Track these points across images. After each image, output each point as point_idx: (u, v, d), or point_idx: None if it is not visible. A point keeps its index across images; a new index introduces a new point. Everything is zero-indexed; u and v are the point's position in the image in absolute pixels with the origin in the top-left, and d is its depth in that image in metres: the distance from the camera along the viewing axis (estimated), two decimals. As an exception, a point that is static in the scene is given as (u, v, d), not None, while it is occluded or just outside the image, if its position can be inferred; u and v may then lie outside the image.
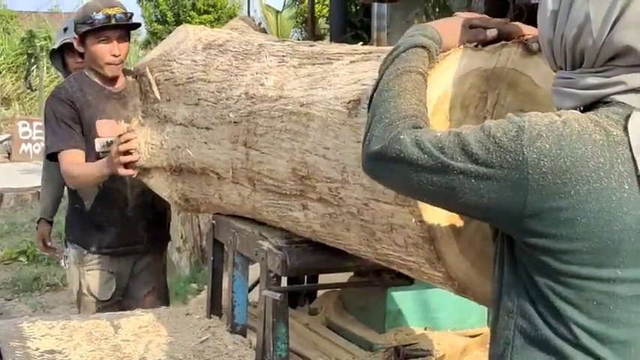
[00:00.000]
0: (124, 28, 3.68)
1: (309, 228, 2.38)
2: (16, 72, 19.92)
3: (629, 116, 1.38)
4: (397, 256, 2.02)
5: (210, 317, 3.12)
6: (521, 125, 1.39)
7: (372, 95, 1.66)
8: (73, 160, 3.57)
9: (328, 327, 3.01)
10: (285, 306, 2.52)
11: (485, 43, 1.82)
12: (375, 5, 3.77)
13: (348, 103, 2.06)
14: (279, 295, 2.48)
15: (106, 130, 3.57)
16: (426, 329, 2.89)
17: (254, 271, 3.20)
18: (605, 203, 1.36)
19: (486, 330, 2.63)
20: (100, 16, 3.56)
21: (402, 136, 1.49)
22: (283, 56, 2.57)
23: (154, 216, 3.83)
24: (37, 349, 2.89)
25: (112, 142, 3.32)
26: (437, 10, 7.38)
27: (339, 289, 3.12)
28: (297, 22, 15.82)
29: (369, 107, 1.65)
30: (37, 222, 4.38)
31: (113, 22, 3.59)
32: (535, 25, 1.64)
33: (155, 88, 3.00)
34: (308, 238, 2.48)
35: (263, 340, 2.57)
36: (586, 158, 1.35)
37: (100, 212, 3.71)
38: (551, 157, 1.35)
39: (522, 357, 1.47)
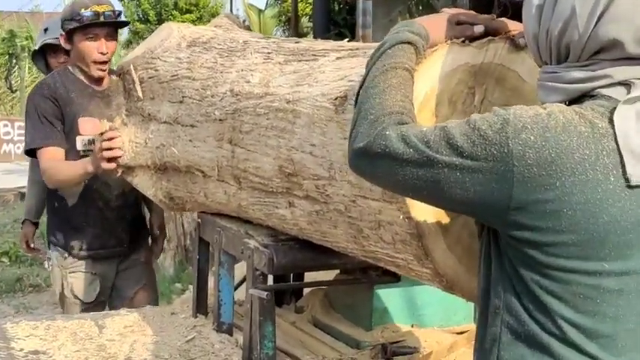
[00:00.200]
0: (113, 26, 3.66)
1: (295, 226, 2.37)
2: (-4, 72, 19.84)
3: (614, 109, 1.38)
4: (385, 253, 2.01)
5: (196, 316, 3.11)
6: (506, 118, 1.38)
7: (359, 92, 1.65)
8: (52, 158, 3.53)
9: (315, 325, 3.01)
10: (271, 304, 2.51)
11: (473, 39, 1.82)
12: (360, 2, 3.77)
13: (335, 99, 2.05)
14: (265, 293, 2.47)
15: (87, 127, 3.53)
16: (412, 326, 2.89)
17: (239, 270, 3.19)
18: (591, 195, 1.35)
19: (473, 327, 2.63)
20: (88, 13, 3.53)
21: (387, 132, 1.49)
22: (269, 53, 2.56)
23: (134, 218, 3.81)
24: (22, 349, 2.87)
25: (93, 140, 3.28)
26: (420, 7, 7.38)
27: (325, 287, 3.12)
28: (279, 20, 15.81)
29: (355, 104, 1.65)
30: (22, 223, 4.35)
31: (102, 19, 3.56)
32: (520, 21, 1.64)
33: (138, 86, 2.98)
34: (294, 235, 2.47)
35: (250, 339, 2.56)
36: (571, 150, 1.35)
37: (79, 213, 3.67)
38: (536, 149, 1.35)
39: (509, 353, 1.46)
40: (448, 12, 1.83)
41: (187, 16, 20.36)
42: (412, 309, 2.90)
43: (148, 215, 3.99)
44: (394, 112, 1.54)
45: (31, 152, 3.65)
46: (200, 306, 3.12)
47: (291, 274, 3.20)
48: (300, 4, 11.60)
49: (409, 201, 1.78)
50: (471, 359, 1.61)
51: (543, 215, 1.37)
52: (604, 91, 1.42)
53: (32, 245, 4.28)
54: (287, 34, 14.52)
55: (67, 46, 3.66)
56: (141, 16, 21.02)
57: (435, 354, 2.69)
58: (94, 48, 3.57)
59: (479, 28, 1.81)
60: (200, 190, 2.81)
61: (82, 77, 3.66)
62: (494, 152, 1.37)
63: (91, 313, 3.37)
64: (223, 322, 2.92)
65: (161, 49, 2.94)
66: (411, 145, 1.45)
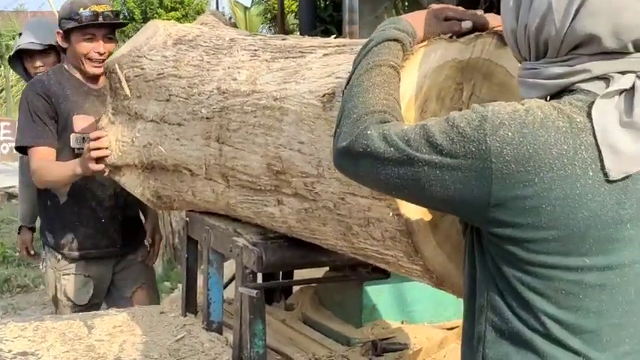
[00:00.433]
0: (111, 27, 3.63)
1: (284, 223, 2.37)
2: (-19, 72, 19.74)
3: (592, 103, 1.38)
4: (374, 250, 2.01)
5: (186, 315, 3.10)
6: (484, 115, 1.38)
7: (345, 90, 1.65)
8: (43, 158, 3.52)
9: (305, 322, 3.01)
10: (261, 302, 2.50)
11: (460, 34, 1.82)
12: (347, -2, 3.75)
13: (323, 96, 2.04)
14: (255, 291, 2.46)
15: (82, 125, 3.52)
16: (402, 323, 2.89)
17: (228, 269, 3.18)
18: (570, 190, 1.35)
19: (463, 322, 2.64)
20: (87, 13, 3.51)
21: (369, 131, 1.49)
22: (255, 50, 2.54)
23: (129, 219, 3.78)
24: (10, 351, 2.85)
25: (87, 138, 3.27)
26: (406, 4, 7.38)
27: (315, 285, 3.11)
28: (265, 18, 15.82)
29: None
30: (18, 229, 4.33)
31: (100, 19, 3.54)
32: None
33: (125, 85, 2.96)
34: (283, 233, 2.46)
35: (240, 337, 2.55)
36: (549, 145, 1.35)
37: (71, 212, 3.66)
38: (514, 145, 1.35)
39: (494, 351, 1.46)
40: (435, 8, 1.83)
41: (173, 13, 20.35)
42: (402, 305, 2.90)
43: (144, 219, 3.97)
44: (377, 110, 1.54)
45: (21, 149, 3.64)
46: (189, 305, 3.12)
47: (281, 272, 3.19)
48: (286, 1, 11.60)
49: (398, 198, 1.77)
50: (461, 355, 1.61)
51: (523, 212, 1.37)
52: (583, 86, 1.42)
53: (32, 252, 4.26)
54: (273, 31, 14.52)
55: (64, 45, 3.64)
56: (126, 14, 20.97)
57: (425, 350, 2.69)
58: (91, 48, 3.55)
59: (466, 24, 1.81)
60: (188, 189, 2.80)
61: (77, 75, 3.64)
62: (473, 149, 1.37)
63: (80, 313, 3.36)
64: (213, 320, 2.91)
65: (147, 47, 2.93)
66: (391, 143, 1.45)
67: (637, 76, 1.39)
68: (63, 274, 3.67)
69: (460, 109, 1.84)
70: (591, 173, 1.36)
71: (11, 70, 18.37)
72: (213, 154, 2.55)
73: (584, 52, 1.42)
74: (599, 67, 1.41)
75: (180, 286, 3.95)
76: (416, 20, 1.76)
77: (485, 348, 1.48)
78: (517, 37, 1.50)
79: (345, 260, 2.44)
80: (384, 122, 1.51)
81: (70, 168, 3.33)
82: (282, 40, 2.56)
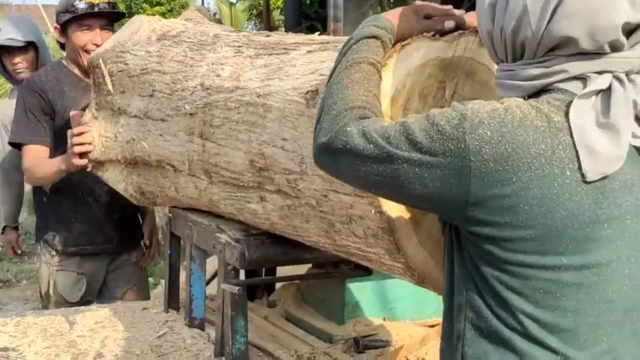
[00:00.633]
0: (107, 18, 3.62)
1: (267, 220, 2.37)
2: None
3: (570, 102, 1.39)
4: (357, 247, 2.01)
5: (168, 311, 3.09)
6: (464, 113, 1.39)
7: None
8: (35, 156, 3.52)
9: (287, 319, 3.01)
10: (243, 299, 2.50)
11: (443, 33, 1.82)
12: (332, -5, 3.76)
13: (306, 93, 2.04)
14: (237, 288, 2.46)
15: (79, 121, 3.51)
16: (384, 320, 2.89)
17: (211, 265, 3.18)
18: (547, 190, 1.36)
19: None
20: (82, 4, 3.50)
21: (348, 128, 1.49)
22: (239, 47, 2.54)
23: (126, 217, 3.76)
24: (-9, 346, 2.84)
25: (71, 133, 3.26)
26: (391, 1, 7.38)
27: (297, 282, 3.11)
28: (251, 14, 15.80)
29: None
30: (2, 229, 4.30)
31: (96, 10, 3.53)
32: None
33: (108, 80, 2.95)
34: (266, 230, 2.46)
35: (221, 334, 2.56)
36: (527, 145, 1.35)
37: (67, 207, 3.64)
38: (493, 144, 1.35)
39: (473, 349, 1.47)
40: (415, 5, 1.83)
41: (157, 8, 20.27)
42: (384, 302, 2.90)
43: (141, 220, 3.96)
44: (356, 106, 1.54)
45: (15, 145, 3.64)
46: (172, 301, 3.11)
47: (263, 269, 3.19)
48: (271, -3, 11.58)
49: (381, 195, 1.78)
50: (443, 352, 1.62)
51: (501, 210, 1.37)
52: (561, 85, 1.42)
53: (19, 251, 4.25)
54: (258, 27, 14.50)
55: (62, 39, 3.63)
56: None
57: (407, 347, 2.70)
58: (88, 40, 3.54)
59: (449, 23, 1.81)
60: (171, 185, 2.80)
61: (75, 71, 3.63)
62: (452, 148, 1.38)
63: (62, 309, 3.34)
64: (195, 317, 2.91)
65: (131, 42, 2.92)
66: (371, 140, 1.45)
67: (614, 77, 1.40)
68: (56, 270, 3.66)
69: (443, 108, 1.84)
70: (569, 173, 1.36)
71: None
72: (196, 150, 2.55)
73: (560, 54, 1.42)
74: (576, 67, 1.41)
75: (163, 282, 3.94)
76: (395, 17, 1.77)
77: (465, 346, 1.48)
78: (493, 38, 1.50)
79: (327, 257, 2.45)
80: (363, 118, 1.51)
81: (56, 165, 3.33)
82: (266, 36, 2.56)
